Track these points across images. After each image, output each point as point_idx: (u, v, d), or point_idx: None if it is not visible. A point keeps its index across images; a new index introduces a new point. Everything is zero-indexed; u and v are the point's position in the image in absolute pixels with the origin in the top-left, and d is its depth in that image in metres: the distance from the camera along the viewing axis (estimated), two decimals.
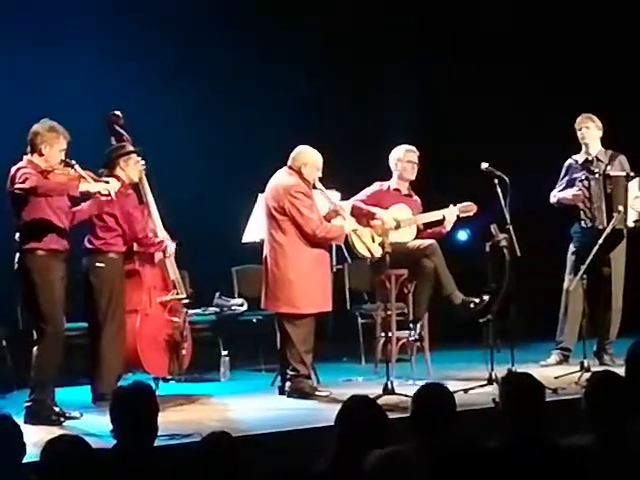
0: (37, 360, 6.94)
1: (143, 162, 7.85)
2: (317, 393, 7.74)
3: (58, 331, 6.96)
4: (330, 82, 10.12)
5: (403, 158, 8.52)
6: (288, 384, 7.81)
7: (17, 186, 6.82)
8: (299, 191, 7.73)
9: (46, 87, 8.86)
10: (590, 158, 8.75)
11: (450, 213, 8.43)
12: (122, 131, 7.79)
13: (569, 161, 8.85)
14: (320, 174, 7.84)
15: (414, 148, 8.54)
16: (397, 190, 8.58)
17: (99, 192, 7.03)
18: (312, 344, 7.82)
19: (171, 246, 7.91)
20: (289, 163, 7.84)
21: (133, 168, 7.74)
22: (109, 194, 7.04)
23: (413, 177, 8.57)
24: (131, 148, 7.75)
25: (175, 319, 7.88)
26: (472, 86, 10.41)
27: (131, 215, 7.61)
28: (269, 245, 7.83)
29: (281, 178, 7.83)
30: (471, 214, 8.47)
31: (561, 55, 10.52)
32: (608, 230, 8.25)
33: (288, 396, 7.76)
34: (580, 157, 8.79)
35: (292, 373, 7.78)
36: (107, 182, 7.22)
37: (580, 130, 8.80)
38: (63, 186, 6.93)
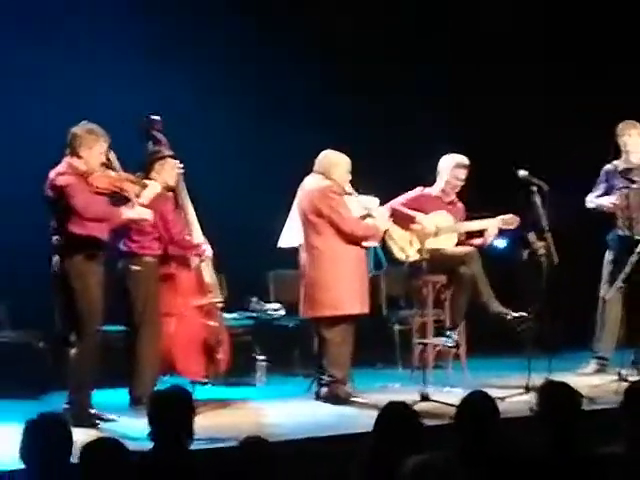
0: (75, 363, 6.98)
1: (181, 165, 7.89)
2: (353, 399, 7.75)
3: (95, 334, 7.01)
4: (363, 94, 10.09)
5: (452, 174, 8.48)
6: (324, 390, 7.82)
7: (70, 202, 6.82)
8: (333, 191, 7.75)
9: (87, 90, 8.89)
10: (631, 166, 8.72)
11: (493, 225, 8.41)
12: (159, 135, 7.81)
13: (608, 166, 8.81)
14: (350, 176, 7.84)
15: (466, 161, 8.48)
16: (439, 198, 8.58)
17: (140, 219, 7.12)
18: (351, 348, 7.81)
19: (208, 250, 7.95)
20: (316, 168, 7.84)
21: (169, 172, 7.75)
22: (147, 219, 7.14)
23: (453, 197, 8.56)
24: (167, 152, 7.79)
25: (211, 323, 7.91)
26: (505, 89, 10.34)
27: (167, 218, 7.63)
28: (307, 251, 7.83)
29: (313, 182, 7.85)
30: (513, 227, 8.45)
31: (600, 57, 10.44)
32: None
33: (324, 402, 7.77)
34: (620, 164, 8.75)
35: (328, 379, 7.79)
36: (146, 185, 7.26)
37: (622, 137, 8.76)
38: (108, 215, 6.96)
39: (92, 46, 9.18)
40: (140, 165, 7.68)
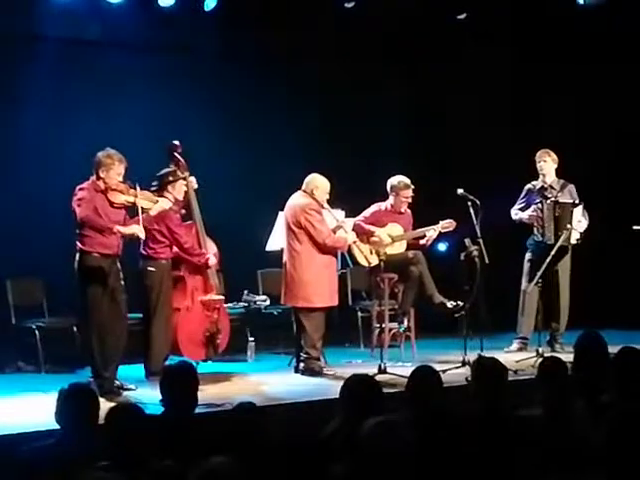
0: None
1: (195, 184, 7.84)
2: (325, 372, 7.75)
3: (99, 323, 6.88)
4: (337, 125, 10.09)
5: (400, 194, 8.42)
6: (302, 365, 7.82)
7: (75, 209, 6.78)
8: (312, 209, 7.76)
9: (121, 124, 8.88)
10: (545, 186, 8.76)
11: (433, 232, 8.39)
12: (179, 157, 7.77)
13: (528, 185, 8.85)
14: (327, 196, 7.86)
15: (409, 183, 8.41)
16: (392, 211, 8.54)
17: (129, 234, 6.89)
18: (322, 332, 7.82)
19: (212, 259, 7.89)
20: (303, 187, 7.86)
21: (179, 190, 7.72)
22: (137, 236, 6.90)
23: (404, 209, 8.53)
24: (179, 174, 7.72)
25: (211, 314, 7.87)
26: (453, 121, 10.33)
27: (173, 230, 7.58)
28: (288, 253, 7.86)
29: (297, 199, 7.86)
30: (451, 229, 8.46)
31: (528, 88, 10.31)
32: (557, 246, 8.23)
33: (302, 374, 7.77)
34: (538, 183, 8.80)
35: (305, 356, 7.79)
36: (157, 202, 7.22)
37: (539, 162, 8.80)
38: (102, 227, 6.80)
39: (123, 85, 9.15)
40: (156, 182, 7.65)
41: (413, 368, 4.75)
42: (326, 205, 7.87)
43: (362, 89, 10.08)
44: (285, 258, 7.90)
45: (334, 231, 7.91)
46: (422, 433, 3.94)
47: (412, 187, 8.44)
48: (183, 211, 7.83)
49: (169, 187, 7.68)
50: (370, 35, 9.79)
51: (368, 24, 9.66)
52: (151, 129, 8.92)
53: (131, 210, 7.07)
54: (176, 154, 7.79)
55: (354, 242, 8.12)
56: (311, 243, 7.74)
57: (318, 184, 7.83)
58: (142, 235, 6.94)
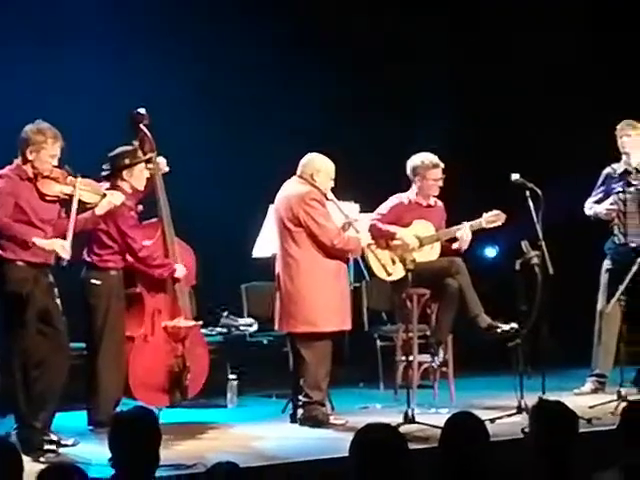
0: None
1: (165, 166, 7.88)
2: (332, 421, 7.76)
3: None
4: (352, 84, 10.17)
5: (426, 175, 8.44)
6: (300, 411, 7.83)
7: None
8: (314, 199, 7.74)
9: (68, 85, 8.96)
10: (630, 169, 8.75)
11: (464, 232, 8.41)
12: (146, 131, 7.80)
13: (607, 170, 8.85)
14: (332, 183, 7.86)
15: (437, 160, 8.44)
16: (418, 203, 8.57)
17: (49, 250, 6.80)
18: (329, 367, 7.82)
19: (180, 270, 7.87)
20: (299, 172, 7.85)
21: (138, 177, 7.71)
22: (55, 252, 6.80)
23: (436, 193, 8.56)
24: (139, 156, 7.73)
25: (176, 346, 7.85)
26: (503, 93, 10.41)
27: (126, 233, 7.57)
28: (282, 260, 7.83)
29: (293, 187, 7.85)
30: (499, 223, 8.46)
31: (595, 65, 10.50)
32: None
33: (300, 424, 7.79)
34: (619, 167, 8.79)
35: (305, 400, 7.80)
36: (104, 195, 7.19)
37: (621, 138, 8.79)
38: (20, 234, 6.76)
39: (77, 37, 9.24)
40: (109, 166, 7.68)
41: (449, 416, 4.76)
42: (331, 195, 7.87)
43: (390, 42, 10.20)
44: (278, 268, 7.91)
45: (343, 229, 7.90)
46: None
47: (442, 166, 8.45)
48: (140, 207, 7.83)
49: (125, 173, 7.69)
50: None
51: None
52: (105, 94, 8.97)
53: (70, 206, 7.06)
54: (141, 126, 7.81)
55: (368, 245, 8.12)
56: (314, 246, 7.74)
57: (319, 166, 7.83)
58: (66, 255, 6.79)
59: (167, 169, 7.91)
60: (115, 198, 7.29)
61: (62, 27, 9.22)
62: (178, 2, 9.78)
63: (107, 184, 7.64)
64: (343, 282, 7.93)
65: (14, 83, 8.81)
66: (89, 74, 9.17)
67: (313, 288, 7.74)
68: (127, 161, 7.71)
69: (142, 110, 7.82)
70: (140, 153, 7.76)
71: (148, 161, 7.78)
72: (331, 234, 7.74)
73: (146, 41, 9.52)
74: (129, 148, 7.76)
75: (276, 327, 8.04)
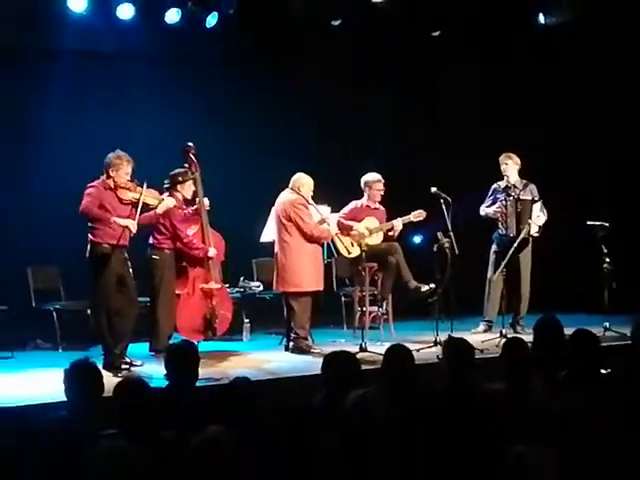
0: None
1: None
2: (312, 350, 7.74)
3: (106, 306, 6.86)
4: (325, 129, 10.09)
5: (373, 187, 8.46)
6: (291, 343, 7.82)
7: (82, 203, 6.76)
8: (300, 203, 7.77)
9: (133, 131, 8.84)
10: (509, 185, 8.75)
11: (397, 223, 8.40)
12: (193, 157, 7.75)
13: (495, 185, 8.85)
14: (312, 193, 7.87)
15: (380, 177, 8.46)
16: (367, 206, 8.57)
17: (124, 226, 6.79)
18: (310, 314, 7.81)
19: (212, 251, 7.82)
20: (290, 185, 7.87)
21: (187, 190, 7.73)
22: (129, 228, 6.79)
23: (376, 205, 8.54)
24: (189, 175, 7.70)
25: (209, 301, 7.80)
26: (428, 143, 10.32)
27: (176, 226, 7.56)
28: (279, 244, 7.86)
29: (286, 195, 7.87)
30: (422, 218, 8.45)
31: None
32: (520, 238, 8.26)
33: (291, 352, 7.76)
34: (503, 183, 8.78)
35: (294, 335, 7.79)
36: (162, 200, 7.19)
37: (502, 165, 8.79)
38: (99, 216, 6.75)
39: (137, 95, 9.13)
40: (168, 180, 7.68)
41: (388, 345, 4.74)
42: (311, 201, 7.88)
43: (350, 97, 10.09)
44: (276, 249, 7.90)
45: (319, 224, 7.90)
46: (397, 406, 3.93)
47: (382, 181, 8.47)
48: (191, 209, 7.79)
49: (178, 186, 7.68)
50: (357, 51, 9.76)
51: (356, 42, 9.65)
52: (160, 134, 8.89)
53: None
54: (190, 154, 7.76)
55: (336, 234, 8.12)
56: (300, 234, 7.74)
57: (304, 182, 7.84)
58: (134, 229, 6.83)
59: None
60: (169, 202, 7.30)
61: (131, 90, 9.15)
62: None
63: (167, 193, 7.62)
64: (319, 259, 7.92)
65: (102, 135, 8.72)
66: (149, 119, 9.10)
67: (299, 262, 7.75)
68: (180, 178, 7.70)
69: (190, 143, 7.78)
70: (189, 173, 7.72)
71: (194, 180, 7.72)
72: (310, 227, 7.75)
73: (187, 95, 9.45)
74: (181, 170, 7.73)
75: (273, 288, 8.04)
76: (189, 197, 7.78)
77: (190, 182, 7.73)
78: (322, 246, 8.07)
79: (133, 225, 6.85)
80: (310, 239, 7.78)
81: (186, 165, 7.76)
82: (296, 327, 7.77)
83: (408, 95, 10.35)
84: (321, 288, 7.93)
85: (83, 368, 4.34)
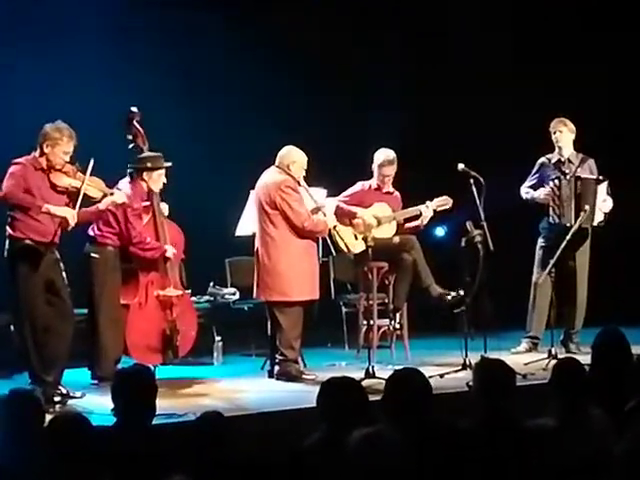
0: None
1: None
2: (304, 377, 7.77)
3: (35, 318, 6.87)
4: (322, 84, 10.13)
5: (382, 171, 8.47)
6: (277, 368, 7.84)
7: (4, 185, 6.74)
8: (288, 186, 7.77)
9: (66, 87, 8.85)
10: (562, 159, 8.77)
11: (426, 209, 8.44)
12: (138, 127, 7.75)
13: (542, 159, 8.86)
14: (304, 173, 7.87)
15: (393, 157, 8.46)
16: (377, 189, 8.58)
17: (60, 216, 6.78)
18: (300, 330, 7.85)
19: (169, 250, 7.82)
20: (277, 162, 7.87)
21: (156, 180, 7.75)
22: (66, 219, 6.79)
23: (389, 188, 8.57)
24: (161, 163, 7.75)
25: (168, 312, 7.81)
26: (449, 90, 10.40)
27: (128, 221, 7.58)
28: (261, 239, 7.85)
29: (271, 176, 7.86)
30: (447, 207, 8.48)
31: (531, 59, 10.46)
32: (575, 227, 8.28)
33: (277, 379, 7.79)
34: (553, 157, 8.80)
35: (281, 358, 7.81)
36: (112, 194, 7.17)
37: (554, 133, 8.81)
38: (28, 204, 6.73)
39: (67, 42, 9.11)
40: (132, 163, 7.72)
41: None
42: (303, 183, 7.88)
43: (353, 46, 10.12)
44: (257, 244, 7.91)
45: (313, 213, 7.91)
46: (413, 448, 3.94)
47: (395, 164, 8.47)
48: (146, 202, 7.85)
49: (145, 174, 7.69)
50: None
51: None
52: (102, 95, 8.89)
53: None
54: (135, 123, 7.76)
55: (334, 227, 8.11)
56: (287, 227, 7.75)
57: (295, 158, 7.83)
58: (72, 222, 6.81)
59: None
60: (117, 197, 7.26)
61: (63, 27, 9.14)
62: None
63: (127, 179, 7.69)
64: (313, 258, 7.96)
65: (17, 82, 8.73)
66: (89, 74, 9.09)
67: (286, 263, 7.76)
68: (149, 164, 7.72)
69: (134, 108, 7.77)
70: (162, 161, 7.74)
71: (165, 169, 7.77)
72: (302, 217, 7.75)
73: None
74: (153, 154, 7.75)
75: (254, 295, 8.05)
76: (156, 190, 7.79)
77: (161, 172, 7.75)
78: (317, 242, 8.08)
79: (73, 217, 6.81)
80: (301, 233, 7.79)
81: (130, 137, 7.75)
82: (283, 347, 7.80)
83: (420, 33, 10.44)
84: (316, 296, 7.96)
85: (24, 400, 4.39)
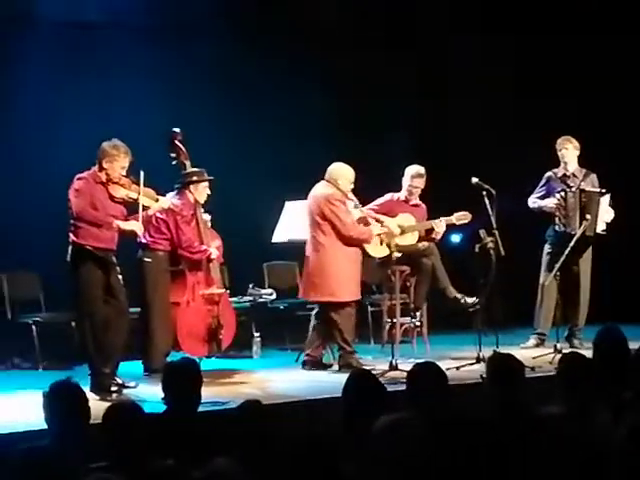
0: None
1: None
2: (364, 366, 7.54)
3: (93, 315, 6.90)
4: (352, 109, 10.09)
5: (412, 183, 8.44)
6: (340, 360, 7.80)
7: (71, 200, 6.78)
8: (337, 199, 7.76)
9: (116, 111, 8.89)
10: (568, 174, 8.74)
11: (439, 222, 8.39)
12: (180, 145, 7.78)
13: (549, 173, 8.83)
14: (352, 186, 7.85)
15: (423, 172, 8.43)
16: (405, 201, 8.55)
17: (129, 230, 6.88)
18: (353, 325, 7.87)
19: (214, 253, 7.87)
20: (326, 177, 7.86)
21: (201, 192, 7.81)
22: (135, 232, 6.91)
23: (416, 200, 8.53)
24: (205, 176, 7.79)
25: (213, 308, 7.82)
26: (465, 117, 10.34)
27: (179, 227, 7.64)
28: (312, 246, 7.84)
29: (321, 189, 7.85)
30: (466, 222, 8.45)
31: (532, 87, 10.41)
32: (578, 234, 8.24)
33: (340, 370, 7.70)
34: (559, 171, 8.78)
35: (341, 351, 7.80)
36: (157, 200, 7.21)
37: (560, 150, 8.78)
38: (100, 222, 6.78)
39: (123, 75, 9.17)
40: (180, 179, 7.76)
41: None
42: (351, 195, 7.88)
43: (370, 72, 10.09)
44: (308, 250, 7.89)
45: (360, 223, 7.92)
46: (432, 434, 3.92)
47: (424, 178, 8.43)
48: (209, 216, 7.92)
49: (192, 187, 7.74)
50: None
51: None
52: (149, 116, 8.91)
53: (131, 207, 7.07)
54: (176, 142, 7.78)
55: (378, 235, 8.09)
56: (336, 235, 7.75)
57: (343, 173, 7.83)
58: (140, 233, 6.99)
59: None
60: (163, 202, 7.33)
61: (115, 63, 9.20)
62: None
63: (175, 193, 7.75)
64: (358, 264, 7.93)
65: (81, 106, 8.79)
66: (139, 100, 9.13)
67: (335, 267, 7.76)
68: (195, 178, 7.76)
69: (177, 129, 7.80)
70: (206, 175, 7.75)
71: (209, 182, 7.79)
72: (349, 227, 7.77)
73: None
74: (198, 169, 7.77)
75: (300, 294, 8.07)
76: (201, 201, 7.84)
77: (206, 184, 7.78)
78: (363, 249, 8.04)
79: (140, 228, 6.94)
80: (348, 241, 7.78)
81: (173, 155, 7.78)
82: (340, 341, 7.77)
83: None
84: (359, 297, 7.97)
85: (65, 391, 4.35)
